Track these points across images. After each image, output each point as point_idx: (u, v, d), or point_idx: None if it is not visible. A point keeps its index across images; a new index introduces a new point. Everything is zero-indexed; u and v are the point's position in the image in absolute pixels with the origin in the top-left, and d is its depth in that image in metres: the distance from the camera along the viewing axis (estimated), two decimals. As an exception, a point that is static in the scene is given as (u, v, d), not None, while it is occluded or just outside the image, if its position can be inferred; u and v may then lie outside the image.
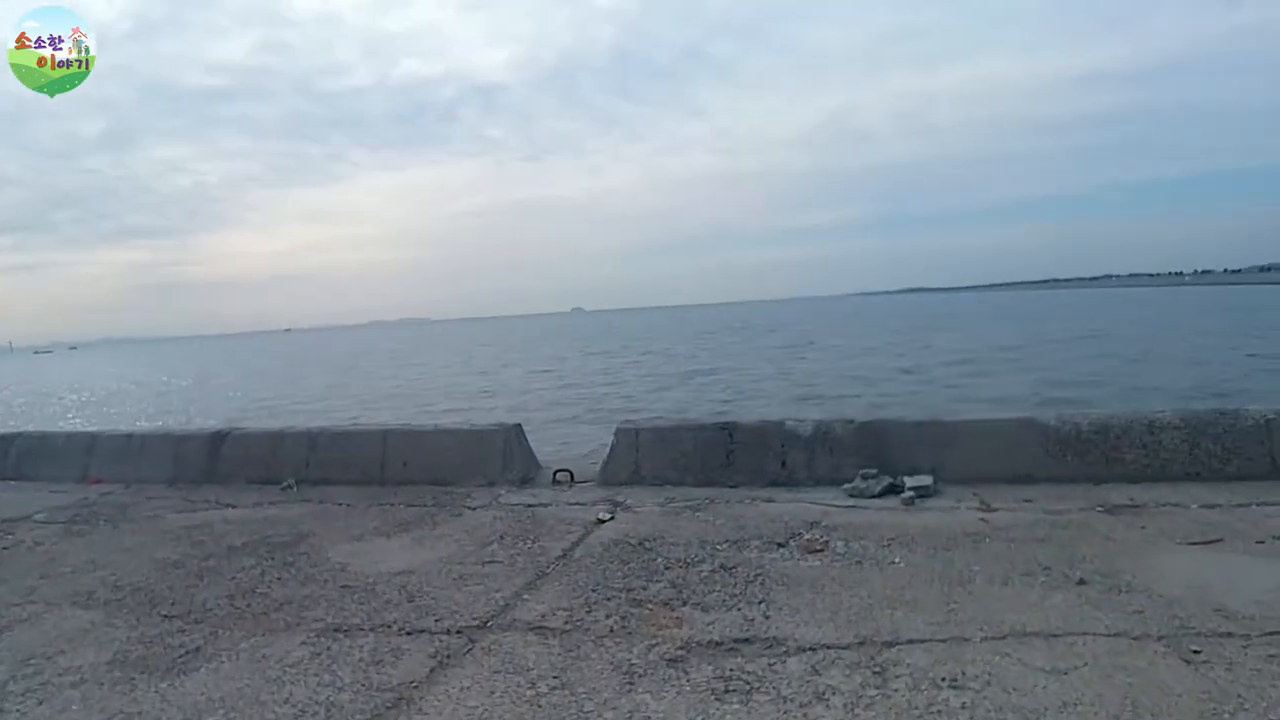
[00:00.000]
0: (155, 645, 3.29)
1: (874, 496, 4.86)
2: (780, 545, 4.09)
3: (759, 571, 3.72)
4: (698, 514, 4.79)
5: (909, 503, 4.71)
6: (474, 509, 5.26)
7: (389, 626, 3.31)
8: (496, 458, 6.03)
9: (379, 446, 6.37)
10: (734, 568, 3.79)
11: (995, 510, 4.51)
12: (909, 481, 4.89)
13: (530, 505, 5.26)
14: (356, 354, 69.83)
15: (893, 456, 5.21)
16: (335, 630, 3.31)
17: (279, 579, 4.05)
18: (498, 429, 6.20)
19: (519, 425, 6.36)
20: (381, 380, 35.86)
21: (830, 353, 35.13)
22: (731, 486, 5.35)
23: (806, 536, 4.20)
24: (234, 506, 5.76)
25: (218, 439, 6.82)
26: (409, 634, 3.22)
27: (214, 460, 6.73)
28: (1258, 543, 3.76)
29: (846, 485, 5.02)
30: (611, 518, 4.81)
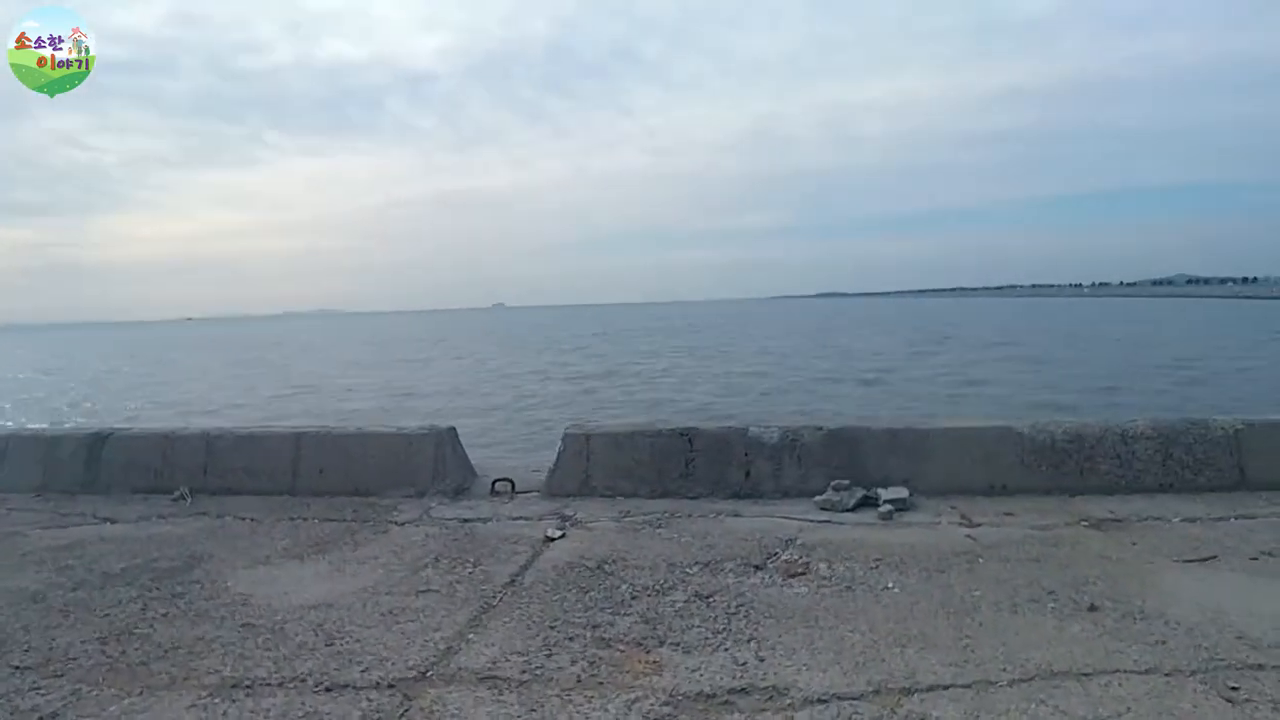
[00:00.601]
0: (1, 707, 2.60)
1: (848, 510, 4.49)
2: (758, 568, 3.65)
3: (740, 601, 3.26)
4: (659, 530, 4.31)
5: (887, 517, 4.35)
6: (402, 524, 4.64)
7: (303, 680, 2.68)
8: (427, 465, 5.39)
9: (291, 451, 5.62)
10: (711, 596, 3.32)
11: (978, 525, 4.20)
12: (884, 494, 4.54)
13: (467, 520, 4.67)
14: (265, 347, 66.56)
15: (864, 466, 4.86)
16: (234, 686, 2.67)
17: (164, 616, 3.34)
18: (428, 432, 5.56)
19: (453, 428, 5.73)
20: (295, 376, 34.09)
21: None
22: (691, 498, 4.89)
23: (784, 557, 3.77)
24: (114, 521, 4.94)
25: (97, 441, 5.92)
26: (328, 690, 2.61)
27: (93, 466, 5.83)
28: (1251, 559, 3.62)
29: (818, 497, 4.62)
30: (562, 535, 4.27)
